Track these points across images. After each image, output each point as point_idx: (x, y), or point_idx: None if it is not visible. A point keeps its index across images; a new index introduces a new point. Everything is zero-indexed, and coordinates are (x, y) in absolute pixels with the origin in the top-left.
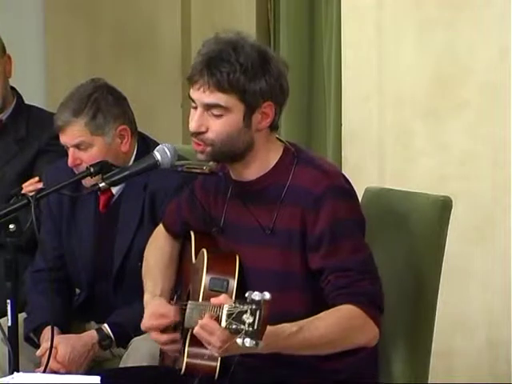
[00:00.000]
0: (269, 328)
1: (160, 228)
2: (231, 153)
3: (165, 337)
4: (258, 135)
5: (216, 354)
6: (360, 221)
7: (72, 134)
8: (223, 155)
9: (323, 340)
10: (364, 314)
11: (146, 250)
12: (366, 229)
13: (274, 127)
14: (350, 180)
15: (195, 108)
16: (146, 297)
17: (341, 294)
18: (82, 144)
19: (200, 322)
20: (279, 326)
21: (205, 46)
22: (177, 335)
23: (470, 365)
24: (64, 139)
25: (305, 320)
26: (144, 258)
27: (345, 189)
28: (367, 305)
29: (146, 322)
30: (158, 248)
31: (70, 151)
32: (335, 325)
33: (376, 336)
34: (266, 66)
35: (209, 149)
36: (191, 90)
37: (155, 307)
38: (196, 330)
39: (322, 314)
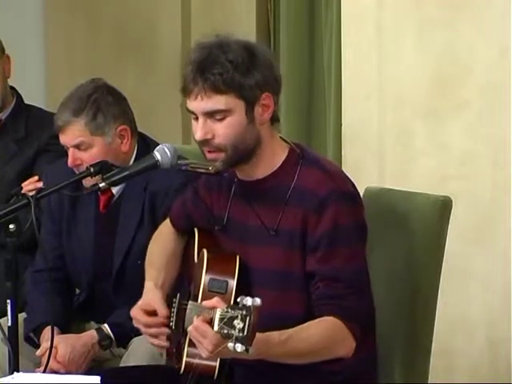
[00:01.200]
0: (258, 335)
1: (166, 222)
2: (243, 153)
3: (147, 319)
4: (263, 129)
5: (204, 356)
6: (361, 228)
7: (72, 134)
8: (237, 158)
9: (309, 349)
10: (345, 327)
11: (151, 242)
12: (367, 235)
13: (274, 119)
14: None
15: (196, 119)
16: (149, 283)
17: (326, 304)
18: (82, 144)
19: (193, 323)
20: (268, 333)
21: (190, 55)
22: (159, 319)
23: (470, 364)
24: (64, 139)
25: (292, 329)
26: (148, 251)
27: (350, 193)
28: (348, 319)
29: (136, 311)
30: (161, 241)
31: (70, 151)
32: (320, 336)
33: (353, 349)
34: (255, 58)
35: (222, 155)
36: (188, 102)
37: (151, 299)
38: (190, 329)
39: (308, 324)
